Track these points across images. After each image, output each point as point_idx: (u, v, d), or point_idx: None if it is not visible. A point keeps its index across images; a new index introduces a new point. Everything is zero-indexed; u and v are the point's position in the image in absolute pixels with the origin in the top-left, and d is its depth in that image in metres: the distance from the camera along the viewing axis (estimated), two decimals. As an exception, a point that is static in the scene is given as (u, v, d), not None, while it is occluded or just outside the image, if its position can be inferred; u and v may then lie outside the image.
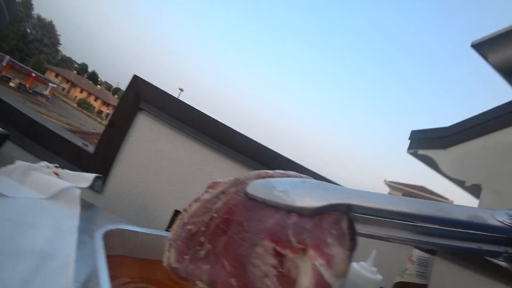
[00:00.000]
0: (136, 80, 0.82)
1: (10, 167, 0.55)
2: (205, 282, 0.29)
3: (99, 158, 0.82)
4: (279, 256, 0.22)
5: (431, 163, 2.80)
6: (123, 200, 0.82)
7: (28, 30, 38.86)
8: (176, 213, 0.81)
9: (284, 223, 0.23)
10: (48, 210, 0.49)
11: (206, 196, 0.36)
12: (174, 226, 0.36)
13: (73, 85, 39.57)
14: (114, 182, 0.82)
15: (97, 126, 25.97)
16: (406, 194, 17.68)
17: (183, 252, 0.32)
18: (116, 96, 48.93)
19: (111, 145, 0.82)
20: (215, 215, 0.30)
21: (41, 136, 0.84)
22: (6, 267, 0.34)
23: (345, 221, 0.22)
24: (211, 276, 0.28)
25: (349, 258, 0.21)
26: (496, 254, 0.19)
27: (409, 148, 3.02)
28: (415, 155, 2.95)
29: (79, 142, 0.88)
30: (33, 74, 27.68)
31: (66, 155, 0.83)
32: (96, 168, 0.77)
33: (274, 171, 0.31)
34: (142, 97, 0.81)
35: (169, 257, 0.35)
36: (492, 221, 0.18)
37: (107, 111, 38.49)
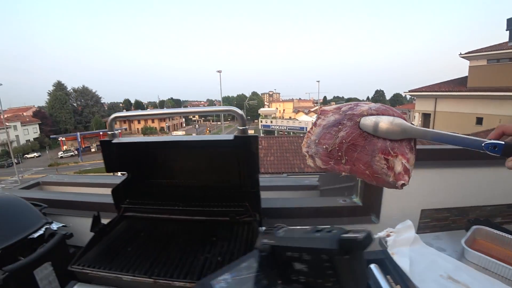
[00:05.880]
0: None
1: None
2: (348, 172, 0.63)
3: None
4: (386, 159, 0.57)
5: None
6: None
7: (75, 104, 53.58)
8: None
9: (385, 145, 0.57)
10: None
11: (323, 122, 0.67)
12: (305, 142, 0.69)
13: (130, 121, 53.75)
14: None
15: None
16: (491, 58, 16.00)
17: (327, 160, 0.64)
18: (164, 107, 64.44)
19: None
20: (344, 140, 0.61)
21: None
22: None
23: (412, 142, 0.57)
24: (352, 170, 0.62)
25: (415, 157, 0.57)
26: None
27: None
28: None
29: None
30: (100, 133, 38.41)
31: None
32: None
33: (370, 107, 0.62)
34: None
35: (315, 163, 0.67)
36: (479, 147, 0.50)
37: (167, 124, 52.71)
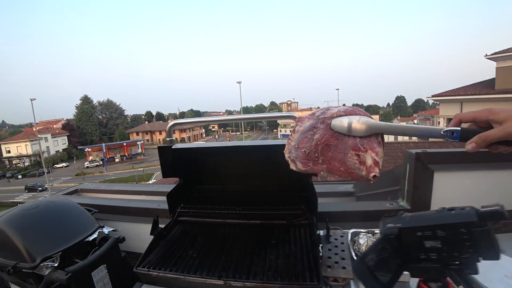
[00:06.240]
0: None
1: None
2: (325, 171, 0.70)
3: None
4: (357, 155, 0.64)
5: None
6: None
7: (100, 117, 56.33)
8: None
9: (355, 142, 0.65)
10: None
11: (300, 128, 0.74)
12: (286, 149, 0.76)
13: (151, 132, 55.75)
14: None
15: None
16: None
17: (306, 162, 0.72)
18: (185, 118, 66.90)
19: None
20: (318, 142, 0.68)
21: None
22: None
23: (380, 137, 0.65)
24: (328, 169, 0.70)
25: (383, 150, 0.63)
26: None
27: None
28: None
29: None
30: (124, 144, 42.41)
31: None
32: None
33: (339, 109, 0.68)
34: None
35: (297, 166, 0.75)
36: (438, 134, 0.55)
37: (187, 135, 53.28)
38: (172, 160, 1.17)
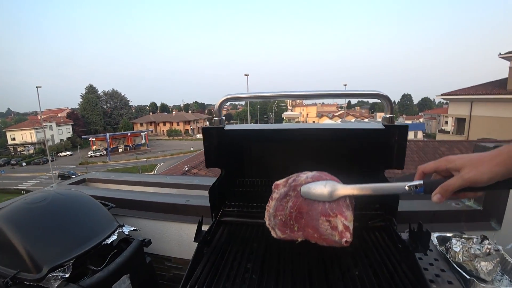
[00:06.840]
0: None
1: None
2: (301, 238, 0.73)
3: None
4: (328, 220, 0.67)
5: None
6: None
7: (104, 107, 55.91)
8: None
9: (325, 208, 0.67)
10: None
11: (276, 195, 0.76)
12: (266, 217, 0.77)
13: (156, 123, 56.24)
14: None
15: (193, 144, 38.80)
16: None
17: (283, 230, 0.75)
18: (190, 111, 66.47)
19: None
20: (291, 210, 0.71)
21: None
22: None
23: (348, 199, 0.68)
24: (304, 235, 0.73)
25: (353, 213, 0.68)
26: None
27: None
28: None
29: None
30: (128, 134, 42.51)
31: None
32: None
33: (307, 175, 0.72)
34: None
35: (277, 234, 0.76)
36: (403, 190, 0.57)
37: (191, 127, 53.97)
38: (220, 145, 0.91)
